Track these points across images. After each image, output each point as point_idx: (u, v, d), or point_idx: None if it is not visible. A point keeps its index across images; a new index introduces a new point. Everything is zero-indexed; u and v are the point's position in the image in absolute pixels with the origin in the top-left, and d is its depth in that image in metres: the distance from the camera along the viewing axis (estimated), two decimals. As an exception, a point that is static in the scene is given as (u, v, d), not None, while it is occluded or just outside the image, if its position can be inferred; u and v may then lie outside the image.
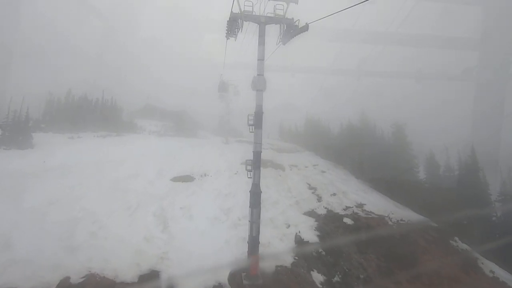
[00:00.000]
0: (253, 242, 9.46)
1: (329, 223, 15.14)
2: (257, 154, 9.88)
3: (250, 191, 9.76)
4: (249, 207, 9.78)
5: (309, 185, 20.75)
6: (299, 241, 13.01)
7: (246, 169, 10.27)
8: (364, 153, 24.57)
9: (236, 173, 21.85)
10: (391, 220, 15.80)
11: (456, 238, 14.41)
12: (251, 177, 10.01)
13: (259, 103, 9.60)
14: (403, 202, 18.79)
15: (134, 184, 18.36)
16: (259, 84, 9.50)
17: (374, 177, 20.88)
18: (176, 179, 20.01)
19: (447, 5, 65.15)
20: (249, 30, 10.24)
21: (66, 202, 14.97)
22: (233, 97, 33.49)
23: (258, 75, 9.44)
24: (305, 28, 8.68)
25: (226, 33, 10.08)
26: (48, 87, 35.91)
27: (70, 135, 30.60)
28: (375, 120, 29.07)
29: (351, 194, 19.46)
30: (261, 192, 9.85)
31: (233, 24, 9.61)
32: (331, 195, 19.07)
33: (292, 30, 9.03)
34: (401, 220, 15.90)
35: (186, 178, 20.33)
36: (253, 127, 9.68)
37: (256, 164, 9.82)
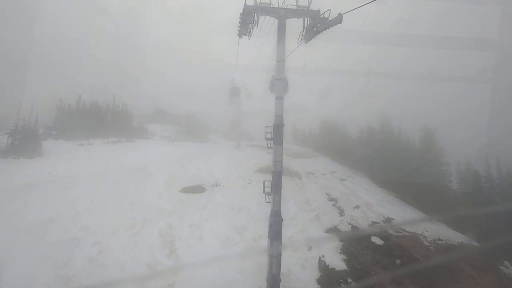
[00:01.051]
0: (273, 281, 7.77)
1: (355, 243, 13.23)
2: (277, 175, 8.17)
3: (269, 220, 8.07)
4: (268, 238, 8.10)
5: (329, 195, 18.87)
6: (324, 268, 11.21)
7: (264, 192, 8.56)
8: (387, 159, 22.46)
9: (249, 183, 20.22)
10: (426, 240, 13.76)
11: (508, 264, 12.26)
12: (269, 202, 8.31)
13: (279, 112, 7.90)
14: (436, 215, 16.65)
15: (142, 196, 17.02)
16: (278, 90, 7.82)
17: (400, 187, 18.77)
18: (185, 190, 18.55)
19: (461, 4, 61.64)
20: (263, 27, 8.63)
21: (67, 219, 13.73)
22: (245, 100, 31.94)
23: (277, 79, 7.76)
24: (338, 19, 6.93)
25: (238, 31, 8.46)
26: (59, 94, 35.40)
27: (80, 142, 29.80)
28: (395, 123, 26.88)
29: (376, 206, 17.48)
30: (282, 220, 8.15)
31: (247, 19, 7.98)
32: (354, 207, 17.16)
33: (319, 23, 7.30)
34: (438, 239, 13.83)
35: (196, 189, 18.84)
36: (272, 141, 7.97)
37: (276, 187, 8.12)
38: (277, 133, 7.87)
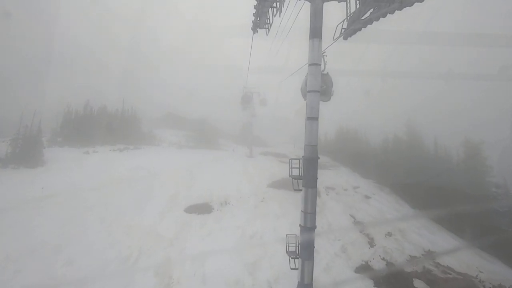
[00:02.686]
0: None
1: (395, 289, 10.47)
2: (308, 234, 5.59)
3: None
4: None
5: (354, 218, 16.09)
6: (361, 332, 8.52)
7: (287, 253, 6.01)
8: (417, 174, 19.42)
9: (262, 201, 17.67)
10: (484, 287, 10.80)
11: None
12: (295, 268, 5.73)
13: (312, 140, 5.41)
14: (488, 249, 13.59)
15: (141, 218, 14.77)
16: (311, 105, 5.29)
17: (437, 210, 15.76)
18: (191, 209, 16.21)
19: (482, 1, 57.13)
20: (284, 20, 6.13)
21: (50, 250, 11.59)
22: (258, 106, 29.49)
23: (309, 91, 5.23)
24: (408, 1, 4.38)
25: (253, 23, 6.03)
26: (68, 99, 33.91)
27: (86, 149, 28.05)
28: (423, 129, 23.65)
29: (411, 234, 14.58)
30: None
31: (265, 7, 5.52)
32: (385, 235, 14.32)
33: (377, 7, 4.73)
34: (500, 286, 10.84)
35: (203, 208, 16.47)
36: (299, 182, 5.42)
37: (307, 250, 5.52)
38: (308, 170, 5.30)
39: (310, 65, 5.14)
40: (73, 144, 28.60)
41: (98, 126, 32.01)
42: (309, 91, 5.17)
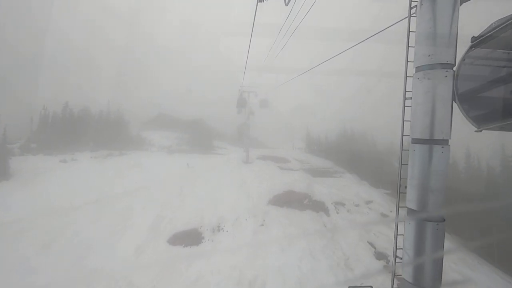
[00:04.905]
0: None
1: None
2: None
3: None
4: None
5: (374, 249, 12.94)
6: None
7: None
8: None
9: (262, 225, 14.41)
10: None
11: None
12: None
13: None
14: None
15: (112, 257, 11.42)
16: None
17: (480, 237, 12.68)
18: (176, 239, 12.94)
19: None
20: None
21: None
22: (257, 105, 26.19)
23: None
24: None
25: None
26: (48, 101, 30.03)
27: (63, 157, 24.46)
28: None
29: (453, 274, 11.47)
30: None
31: None
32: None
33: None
34: None
35: (191, 237, 13.19)
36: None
37: None
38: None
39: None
40: (49, 152, 24.96)
41: (79, 130, 28.34)
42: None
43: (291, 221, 14.79)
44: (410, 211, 3.40)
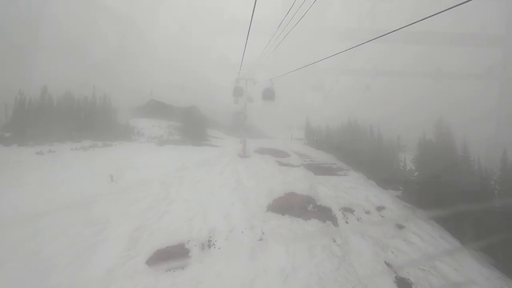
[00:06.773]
0: None
1: None
2: None
3: None
4: None
5: (395, 273, 10.63)
6: None
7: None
8: (462, 194, 14.05)
9: (261, 239, 11.96)
10: None
11: None
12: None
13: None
14: None
15: (77, 279, 8.93)
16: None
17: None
18: (157, 258, 10.46)
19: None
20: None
21: None
22: (258, 96, 23.33)
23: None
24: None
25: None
26: (24, 85, 26.54)
27: (40, 148, 21.55)
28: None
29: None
30: None
31: None
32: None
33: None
34: None
35: (175, 255, 10.71)
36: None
37: None
38: None
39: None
40: (23, 142, 21.98)
41: (60, 118, 25.21)
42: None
43: (294, 234, 12.40)
44: None
